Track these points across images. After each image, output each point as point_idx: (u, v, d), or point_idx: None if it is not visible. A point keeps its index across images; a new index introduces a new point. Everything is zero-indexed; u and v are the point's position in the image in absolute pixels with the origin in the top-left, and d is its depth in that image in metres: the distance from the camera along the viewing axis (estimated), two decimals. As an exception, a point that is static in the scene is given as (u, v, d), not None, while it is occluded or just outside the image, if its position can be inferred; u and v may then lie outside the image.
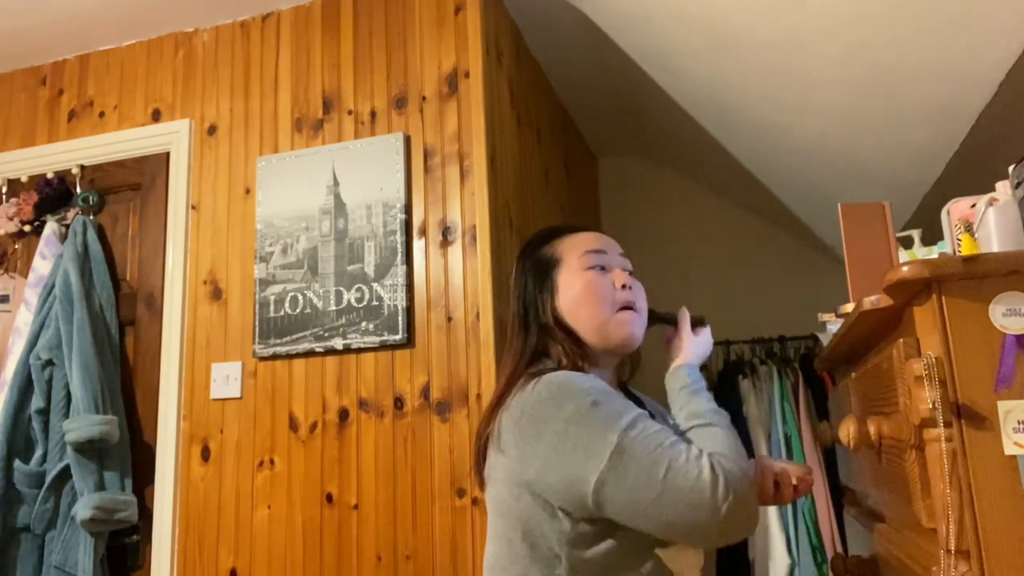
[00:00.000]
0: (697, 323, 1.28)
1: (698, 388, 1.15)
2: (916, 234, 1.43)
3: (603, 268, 1.22)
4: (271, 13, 2.41)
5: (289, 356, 2.17)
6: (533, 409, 1.05)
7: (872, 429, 1.04)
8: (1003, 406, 0.78)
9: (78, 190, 2.48)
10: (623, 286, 1.20)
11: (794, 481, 1.22)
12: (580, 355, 1.17)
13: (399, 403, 2.04)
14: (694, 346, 1.24)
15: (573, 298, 1.20)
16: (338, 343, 2.11)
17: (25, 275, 2.43)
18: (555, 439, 1.01)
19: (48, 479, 2.15)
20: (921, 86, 1.84)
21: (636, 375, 1.37)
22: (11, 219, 2.50)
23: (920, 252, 1.39)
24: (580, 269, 1.21)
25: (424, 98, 2.18)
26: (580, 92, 3.03)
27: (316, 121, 2.29)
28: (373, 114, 2.23)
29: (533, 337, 1.21)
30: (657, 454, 0.97)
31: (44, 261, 2.39)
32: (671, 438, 1.00)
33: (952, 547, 0.77)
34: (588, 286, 1.19)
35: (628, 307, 1.20)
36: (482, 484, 1.18)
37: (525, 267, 1.28)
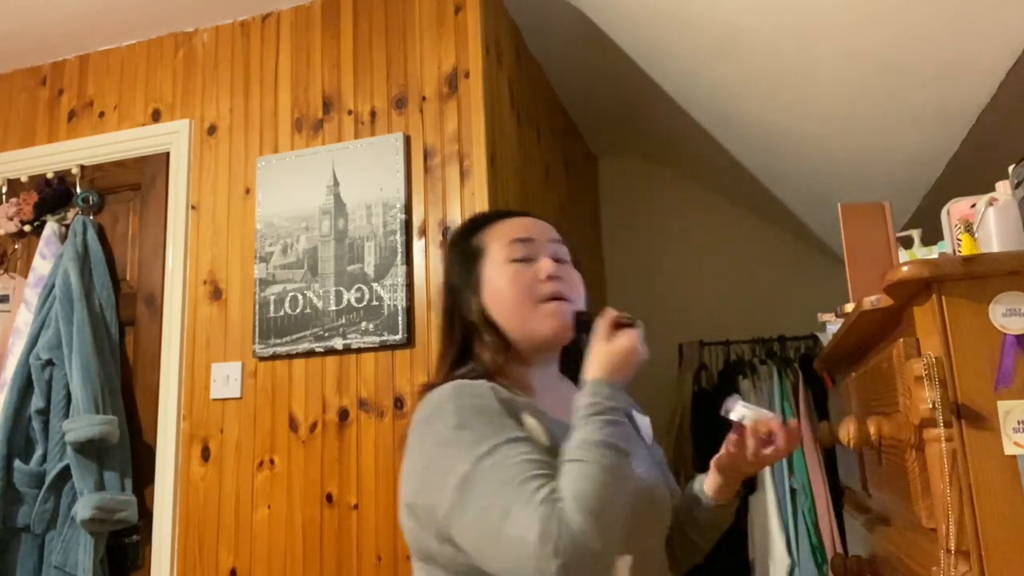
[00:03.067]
0: (622, 325, 1.03)
1: (596, 411, 0.94)
2: (916, 234, 1.43)
3: (527, 259, 1.11)
4: (271, 13, 2.41)
5: (289, 356, 2.16)
6: (413, 428, 1.00)
7: (872, 429, 1.04)
8: (1003, 406, 0.78)
9: (78, 190, 2.48)
10: (548, 276, 1.09)
11: (762, 432, 1.03)
12: (506, 356, 1.08)
13: (399, 403, 2.04)
14: (604, 354, 1.00)
15: (496, 293, 1.10)
16: (338, 343, 2.11)
17: (25, 275, 2.43)
18: (424, 462, 0.95)
19: (48, 479, 2.15)
20: (921, 86, 1.84)
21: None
22: (11, 219, 2.50)
23: (920, 252, 1.39)
24: (504, 261, 1.10)
25: (424, 98, 2.18)
26: (580, 92, 3.03)
27: (316, 121, 2.29)
28: (373, 114, 2.23)
29: (458, 336, 1.13)
30: (502, 493, 0.86)
31: (44, 261, 2.39)
32: (529, 472, 0.87)
33: (952, 547, 0.77)
34: (510, 280, 1.09)
35: (555, 298, 1.09)
36: None
37: (451, 259, 1.18)
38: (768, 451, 1.04)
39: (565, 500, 0.85)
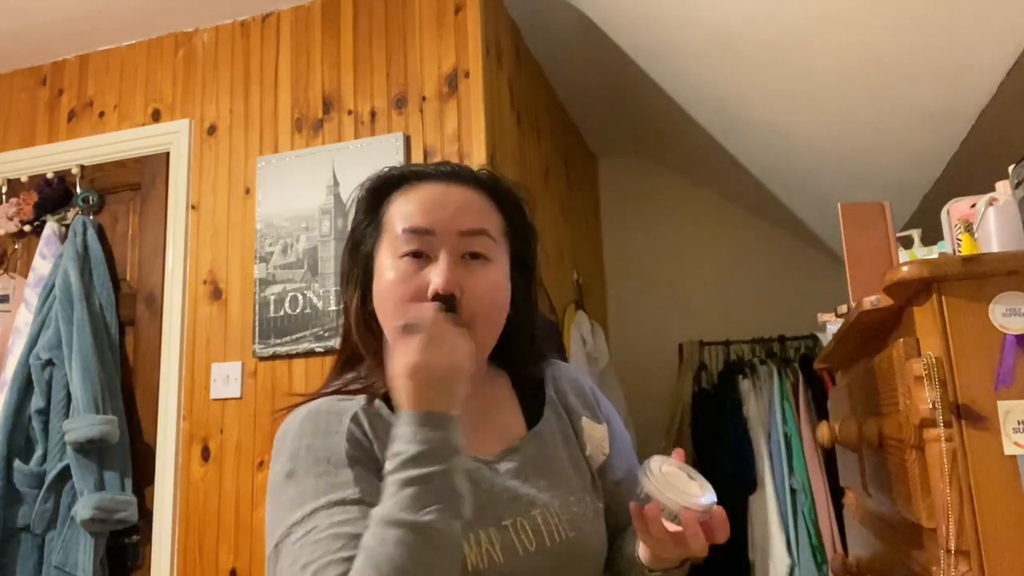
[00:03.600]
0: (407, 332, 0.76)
1: (393, 467, 0.72)
2: (916, 234, 1.43)
3: (421, 255, 0.84)
4: (271, 13, 2.41)
5: (289, 356, 2.16)
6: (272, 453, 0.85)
7: (872, 429, 1.04)
8: (1003, 406, 0.78)
9: (78, 190, 2.48)
10: (435, 294, 0.81)
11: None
12: (382, 371, 0.81)
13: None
14: (394, 381, 0.76)
15: (378, 295, 0.87)
16: (338, 343, 2.10)
17: (25, 275, 2.43)
18: (267, 499, 0.82)
19: (48, 479, 2.15)
20: (921, 86, 1.84)
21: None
22: (11, 219, 2.50)
23: (920, 252, 1.39)
24: (391, 253, 0.86)
25: (424, 98, 2.18)
26: (580, 92, 3.03)
27: (316, 121, 2.29)
28: (373, 114, 2.23)
29: (346, 331, 0.92)
30: None
31: (44, 261, 2.39)
32: (328, 556, 0.72)
33: (952, 547, 0.77)
34: (390, 285, 0.84)
35: None
36: None
37: (351, 226, 0.93)
38: (670, 541, 0.78)
39: None
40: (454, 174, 0.90)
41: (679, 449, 0.84)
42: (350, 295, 0.91)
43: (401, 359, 0.74)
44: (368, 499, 0.76)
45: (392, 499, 0.71)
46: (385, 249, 0.87)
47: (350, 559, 0.71)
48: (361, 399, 0.85)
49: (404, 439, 0.73)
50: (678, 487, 0.79)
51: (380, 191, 0.92)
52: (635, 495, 0.81)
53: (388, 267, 0.85)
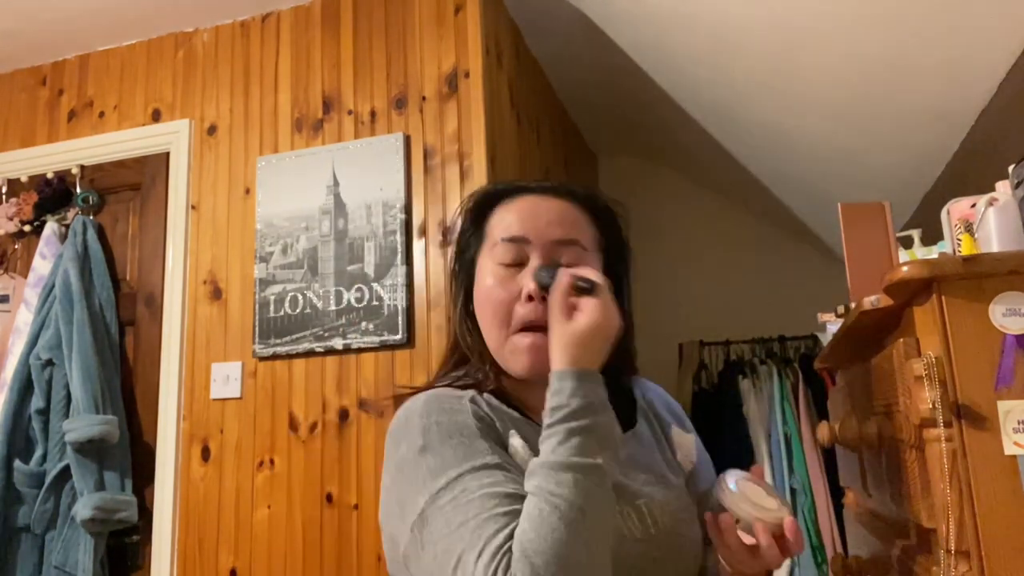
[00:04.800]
0: (581, 291, 0.82)
1: (557, 418, 0.77)
2: (916, 234, 1.43)
3: (517, 264, 0.90)
4: (271, 13, 2.41)
5: (289, 356, 2.16)
6: (387, 441, 0.88)
7: (872, 429, 1.04)
8: (1003, 406, 0.78)
9: (78, 190, 2.48)
10: (528, 297, 0.87)
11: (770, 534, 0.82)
12: (493, 370, 0.92)
13: (399, 403, 2.04)
14: (563, 338, 0.80)
15: (479, 298, 0.93)
16: (338, 343, 2.11)
17: (25, 275, 2.43)
18: (388, 485, 0.85)
19: (48, 479, 2.15)
20: (921, 86, 1.84)
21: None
22: (11, 219, 2.50)
23: (920, 252, 1.39)
24: (491, 260, 0.92)
25: (424, 98, 2.18)
26: (580, 92, 3.03)
27: (316, 121, 2.29)
28: (373, 114, 2.23)
29: (454, 332, 0.98)
30: (455, 537, 0.73)
31: (44, 261, 2.39)
32: (488, 511, 0.73)
33: (952, 547, 0.77)
34: (488, 291, 0.91)
35: (530, 328, 0.87)
36: None
37: (459, 231, 1.00)
38: (769, 552, 0.81)
39: (514, 555, 0.70)
40: (552, 188, 0.96)
41: (757, 465, 0.89)
42: (454, 297, 0.98)
43: (587, 319, 0.80)
44: (507, 466, 0.80)
45: (562, 447, 0.75)
46: (486, 256, 0.94)
47: (507, 514, 0.73)
48: (468, 393, 0.89)
49: (566, 393, 0.77)
50: (754, 500, 0.81)
51: (485, 203, 0.98)
52: (712, 507, 0.85)
53: (487, 272, 0.92)
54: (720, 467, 0.94)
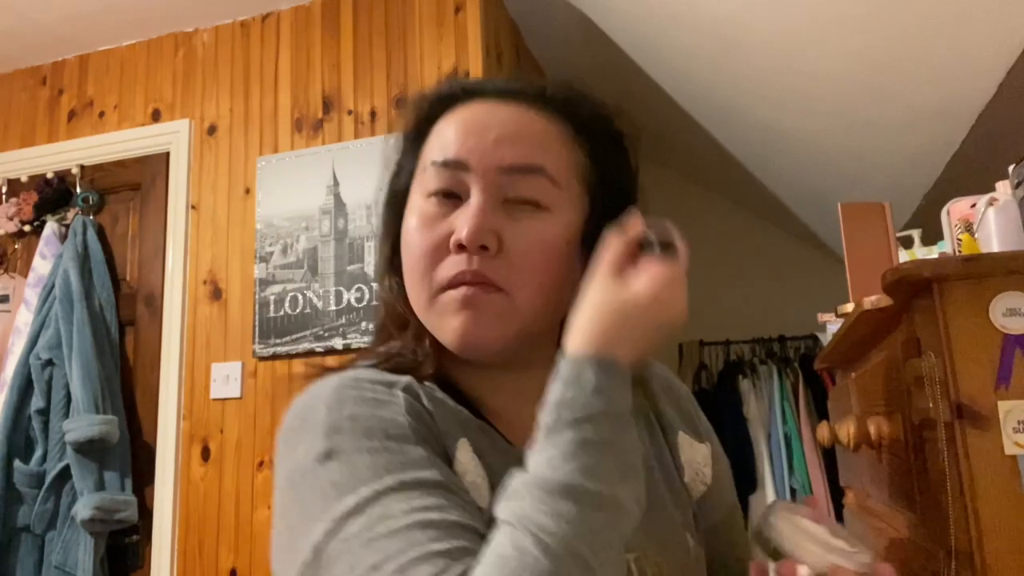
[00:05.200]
0: (649, 247, 0.60)
1: (566, 420, 0.52)
2: (916, 234, 1.43)
3: (444, 196, 0.65)
4: (271, 13, 2.41)
5: (289, 356, 2.16)
6: (277, 447, 0.61)
7: (872, 429, 1.04)
8: (1003, 406, 0.78)
9: (78, 190, 2.48)
10: (459, 246, 0.61)
11: None
12: (434, 348, 0.65)
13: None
14: (600, 305, 0.57)
15: (404, 247, 0.67)
16: (338, 343, 2.11)
17: (25, 275, 2.43)
18: (277, 507, 0.61)
19: (48, 479, 2.15)
20: (921, 86, 1.84)
21: None
22: (11, 219, 2.50)
23: (920, 252, 1.39)
24: (421, 193, 0.66)
25: (424, 98, 2.18)
26: (580, 92, 3.03)
27: (316, 121, 2.29)
28: (373, 114, 2.23)
29: (379, 296, 0.73)
30: None
31: (44, 261, 2.39)
32: (417, 550, 0.49)
33: (952, 547, 0.77)
34: (405, 240, 0.66)
35: (456, 285, 0.62)
36: None
37: (394, 155, 0.73)
38: None
39: None
40: (511, 91, 0.68)
41: (812, 496, 0.71)
42: (380, 247, 0.72)
43: (648, 286, 0.56)
44: (453, 487, 0.55)
45: (567, 462, 0.50)
46: (415, 187, 0.67)
47: (448, 554, 0.48)
48: (403, 380, 0.62)
49: (585, 388, 0.52)
50: (823, 540, 0.61)
51: (426, 114, 0.70)
52: (741, 549, 0.68)
53: (412, 210, 0.66)
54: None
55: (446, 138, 0.66)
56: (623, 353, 0.55)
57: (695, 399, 0.85)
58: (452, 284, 0.62)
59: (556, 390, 0.54)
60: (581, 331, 0.56)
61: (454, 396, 0.64)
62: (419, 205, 0.66)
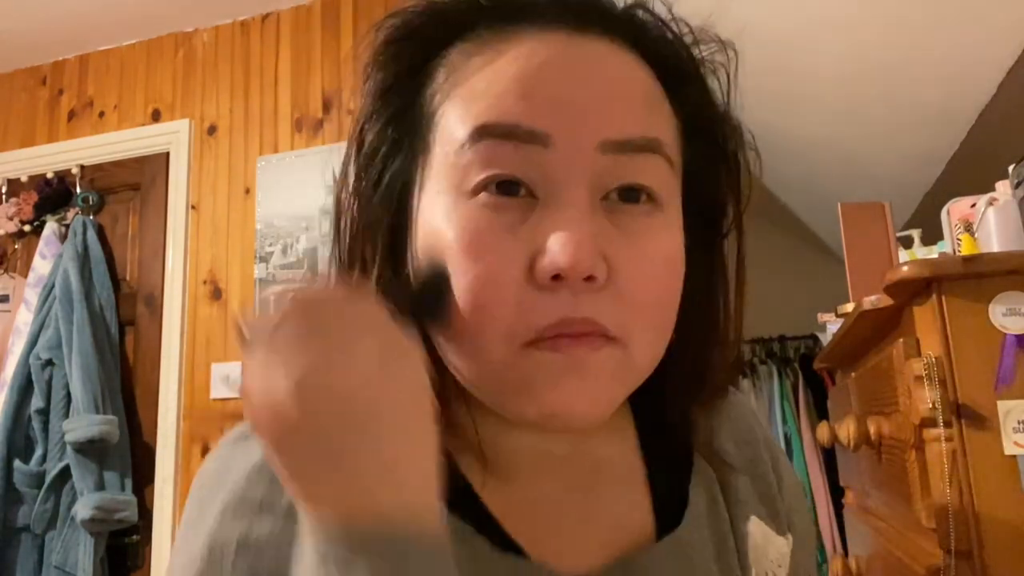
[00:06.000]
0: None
1: None
2: (916, 234, 1.43)
3: (511, 188, 0.41)
4: (271, 13, 2.41)
5: (289, 356, 2.16)
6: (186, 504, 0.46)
7: (872, 429, 1.04)
8: (1003, 406, 0.78)
9: (78, 190, 2.48)
10: (553, 274, 0.39)
11: None
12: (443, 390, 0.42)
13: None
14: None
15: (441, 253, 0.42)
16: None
17: (25, 275, 2.43)
18: None
19: (48, 479, 2.15)
20: (921, 86, 1.84)
21: None
22: (11, 219, 2.50)
23: (920, 252, 1.39)
24: (455, 187, 0.42)
25: (424, 98, 2.18)
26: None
27: (316, 121, 2.29)
28: (373, 114, 2.23)
29: None
30: None
31: (44, 261, 2.39)
32: None
33: (952, 547, 0.77)
34: (458, 254, 0.41)
35: (562, 335, 0.40)
36: None
37: (356, 130, 0.47)
38: None
39: None
40: (585, 9, 0.44)
41: None
42: (363, 262, 0.45)
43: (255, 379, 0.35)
44: None
45: None
46: (437, 175, 0.43)
47: None
48: None
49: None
50: None
51: (431, 37, 0.45)
52: None
53: (448, 215, 0.42)
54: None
55: (500, 86, 0.41)
56: (338, 503, 0.33)
57: (777, 444, 0.60)
58: (547, 336, 0.40)
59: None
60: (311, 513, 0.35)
61: (454, 492, 0.41)
62: (459, 212, 0.41)
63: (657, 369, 0.45)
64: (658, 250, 0.43)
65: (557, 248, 0.39)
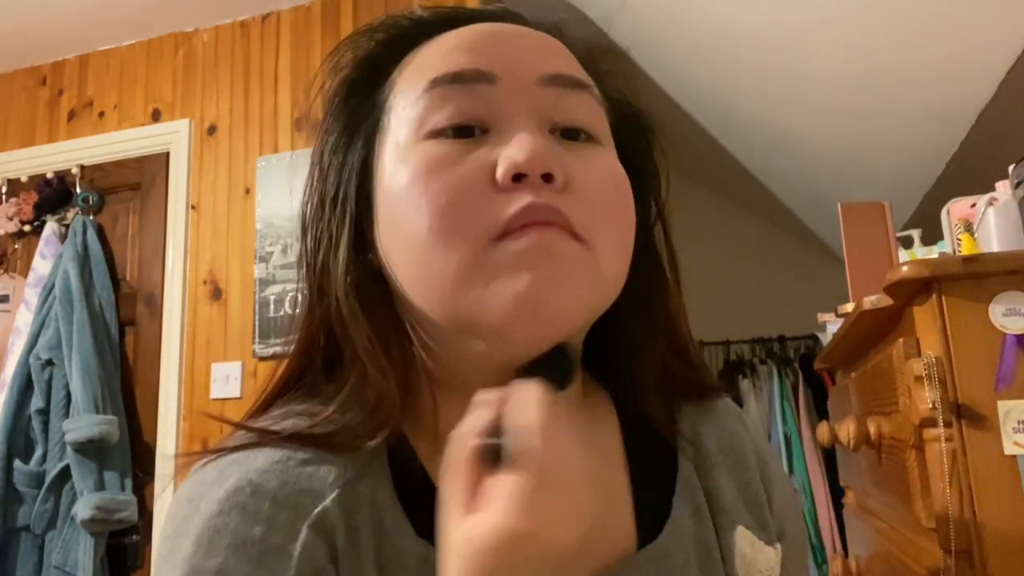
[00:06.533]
0: (492, 460, 0.37)
1: None
2: (916, 234, 1.43)
3: (470, 128, 0.45)
4: (271, 13, 2.41)
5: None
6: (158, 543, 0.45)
7: (872, 429, 1.04)
8: (1003, 406, 0.78)
9: (78, 190, 2.48)
10: (515, 176, 0.42)
11: None
12: (401, 391, 0.45)
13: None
14: (458, 541, 0.37)
15: (391, 220, 0.46)
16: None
17: (25, 275, 2.43)
18: None
19: (48, 479, 2.15)
20: (921, 86, 1.84)
21: None
22: (11, 219, 2.50)
23: (920, 252, 1.39)
24: (412, 137, 0.45)
25: (424, 98, 2.18)
26: (580, 92, 3.03)
27: (316, 121, 2.29)
28: (373, 114, 2.23)
29: (317, 314, 0.49)
30: None
31: (44, 261, 2.39)
32: None
33: (952, 547, 0.77)
34: (419, 183, 0.44)
35: (529, 224, 0.42)
36: None
37: (329, 112, 0.55)
38: None
39: None
40: (517, 18, 0.51)
41: None
42: (330, 240, 0.48)
43: (488, 519, 0.36)
44: None
45: None
46: (391, 140, 0.47)
47: None
48: (338, 466, 0.44)
49: None
50: None
51: (382, 55, 0.51)
52: None
53: (400, 162, 0.45)
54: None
55: (445, 50, 0.46)
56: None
57: (769, 451, 0.60)
58: (511, 225, 0.41)
59: None
60: (450, 552, 0.37)
61: (406, 483, 0.45)
62: (415, 152, 0.44)
63: (627, 359, 0.49)
64: (605, 166, 0.46)
65: (514, 150, 0.42)
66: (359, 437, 0.44)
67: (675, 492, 0.51)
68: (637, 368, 0.52)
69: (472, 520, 0.36)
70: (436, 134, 0.44)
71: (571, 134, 0.46)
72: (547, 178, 0.42)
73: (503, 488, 0.36)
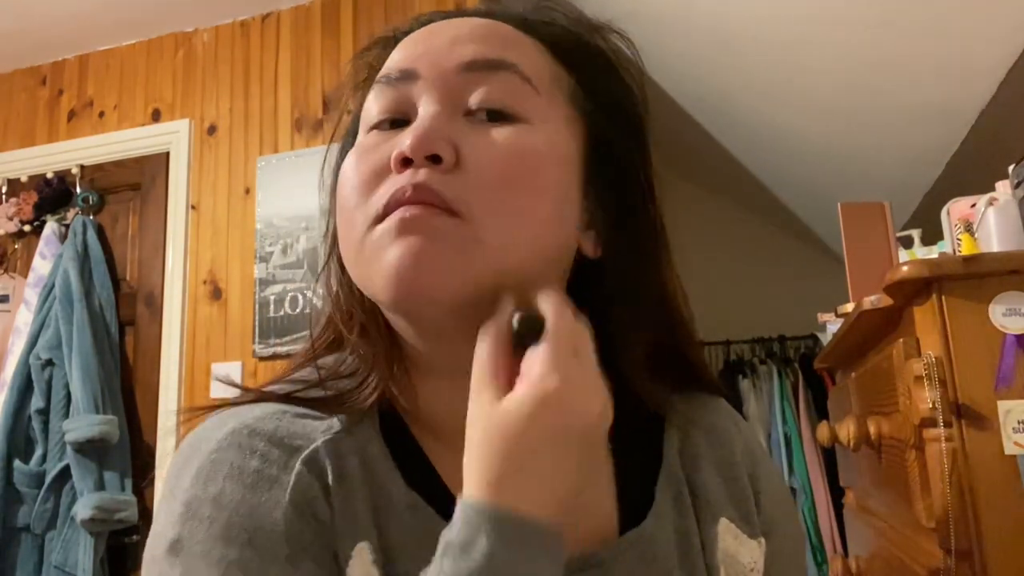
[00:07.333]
0: (527, 338, 0.42)
1: None
2: (916, 234, 1.43)
3: (394, 123, 0.50)
4: (271, 13, 2.41)
5: (290, 356, 2.16)
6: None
7: (872, 429, 1.04)
8: (1003, 406, 0.78)
9: (78, 190, 2.48)
10: (402, 160, 0.46)
11: None
12: (386, 358, 0.50)
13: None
14: (488, 435, 0.40)
15: (338, 206, 0.53)
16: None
17: (25, 275, 2.43)
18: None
19: (48, 479, 2.15)
20: (921, 85, 1.84)
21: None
22: (11, 219, 2.50)
23: (920, 252, 1.39)
24: (362, 133, 0.53)
25: (424, 98, 2.18)
26: (580, 92, 3.03)
27: (316, 121, 2.29)
28: (373, 114, 2.23)
29: (329, 299, 0.59)
30: None
31: (44, 261, 2.39)
32: None
33: (952, 547, 0.77)
34: (349, 173, 0.50)
35: (396, 205, 0.45)
36: None
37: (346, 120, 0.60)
38: None
39: None
40: (474, 11, 0.54)
41: None
42: (328, 232, 0.58)
43: (521, 394, 0.39)
44: None
45: None
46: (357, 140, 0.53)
47: None
48: (334, 421, 0.48)
49: (475, 553, 0.37)
50: None
51: (376, 66, 0.55)
52: None
53: (353, 149, 0.52)
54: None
55: (392, 56, 0.52)
56: (535, 497, 0.38)
57: (762, 451, 0.60)
58: (387, 208, 0.45)
59: (435, 563, 0.38)
60: (470, 476, 0.39)
61: (397, 444, 0.48)
62: (358, 143, 0.51)
63: (613, 341, 0.50)
64: (508, 141, 0.47)
65: (404, 136, 0.46)
66: (349, 402, 0.49)
67: (658, 481, 0.53)
68: (625, 337, 0.51)
69: (507, 399, 0.40)
70: (374, 127, 0.50)
71: (494, 115, 0.48)
72: (435, 159, 0.45)
73: (537, 357, 0.40)
